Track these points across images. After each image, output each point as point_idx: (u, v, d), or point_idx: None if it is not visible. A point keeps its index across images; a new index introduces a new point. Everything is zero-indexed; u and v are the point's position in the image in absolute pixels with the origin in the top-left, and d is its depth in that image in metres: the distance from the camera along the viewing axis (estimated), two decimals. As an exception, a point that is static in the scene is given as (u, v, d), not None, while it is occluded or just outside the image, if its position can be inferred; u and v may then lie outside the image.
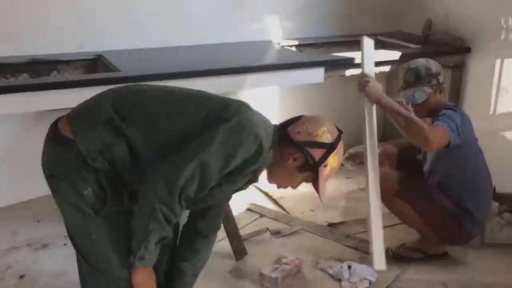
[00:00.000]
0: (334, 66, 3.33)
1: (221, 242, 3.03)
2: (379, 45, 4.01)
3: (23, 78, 3.03)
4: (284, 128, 1.87)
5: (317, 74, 3.25)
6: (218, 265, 2.85)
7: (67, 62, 3.20)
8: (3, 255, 2.92)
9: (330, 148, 1.84)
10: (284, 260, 2.77)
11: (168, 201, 1.67)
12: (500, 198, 3.25)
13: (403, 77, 2.79)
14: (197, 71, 2.91)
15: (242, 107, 1.82)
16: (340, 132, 1.91)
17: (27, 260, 2.88)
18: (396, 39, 3.97)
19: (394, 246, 2.92)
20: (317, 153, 1.83)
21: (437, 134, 2.55)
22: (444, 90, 2.86)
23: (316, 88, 3.40)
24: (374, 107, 2.64)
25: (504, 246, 3.01)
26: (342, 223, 3.30)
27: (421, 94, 2.74)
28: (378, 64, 3.44)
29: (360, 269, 2.73)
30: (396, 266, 2.82)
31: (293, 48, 3.78)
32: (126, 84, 1.99)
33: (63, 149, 1.76)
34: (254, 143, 1.73)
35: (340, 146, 1.89)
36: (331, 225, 3.27)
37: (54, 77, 3.12)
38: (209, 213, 2.05)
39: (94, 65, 3.25)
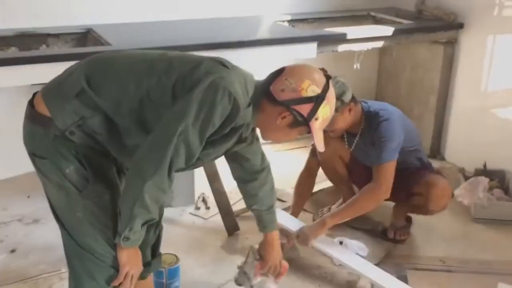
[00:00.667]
0: (326, 41, 3.31)
1: (214, 217, 3.05)
2: (372, 20, 4.00)
3: (12, 51, 2.99)
4: (266, 86, 1.77)
5: (310, 49, 3.24)
6: (211, 240, 2.87)
7: (56, 36, 3.16)
8: (-6, 230, 2.92)
9: (318, 100, 1.74)
10: (276, 235, 2.77)
11: (158, 181, 1.64)
12: (491, 174, 3.27)
13: None
14: (189, 45, 2.87)
15: (214, 64, 1.74)
16: (328, 78, 1.79)
17: (18, 235, 2.87)
18: (388, 14, 3.95)
19: (383, 227, 2.94)
20: (305, 109, 1.74)
21: (386, 179, 2.53)
22: (353, 107, 2.60)
23: (308, 63, 3.36)
24: (323, 235, 2.66)
25: (494, 222, 3.03)
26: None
27: None
28: (370, 39, 3.45)
29: (352, 244, 2.74)
30: (387, 242, 2.84)
31: (286, 24, 3.75)
32: (98, 53, 1.92)
33: (41, 126, 1.73)
34: (229, 102, 1.67)
35: (330, 94, 1.78)
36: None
37: (43, 50, 3.08)
38: (246, 162, 2.07)
39: (84, 39, 3.22)
